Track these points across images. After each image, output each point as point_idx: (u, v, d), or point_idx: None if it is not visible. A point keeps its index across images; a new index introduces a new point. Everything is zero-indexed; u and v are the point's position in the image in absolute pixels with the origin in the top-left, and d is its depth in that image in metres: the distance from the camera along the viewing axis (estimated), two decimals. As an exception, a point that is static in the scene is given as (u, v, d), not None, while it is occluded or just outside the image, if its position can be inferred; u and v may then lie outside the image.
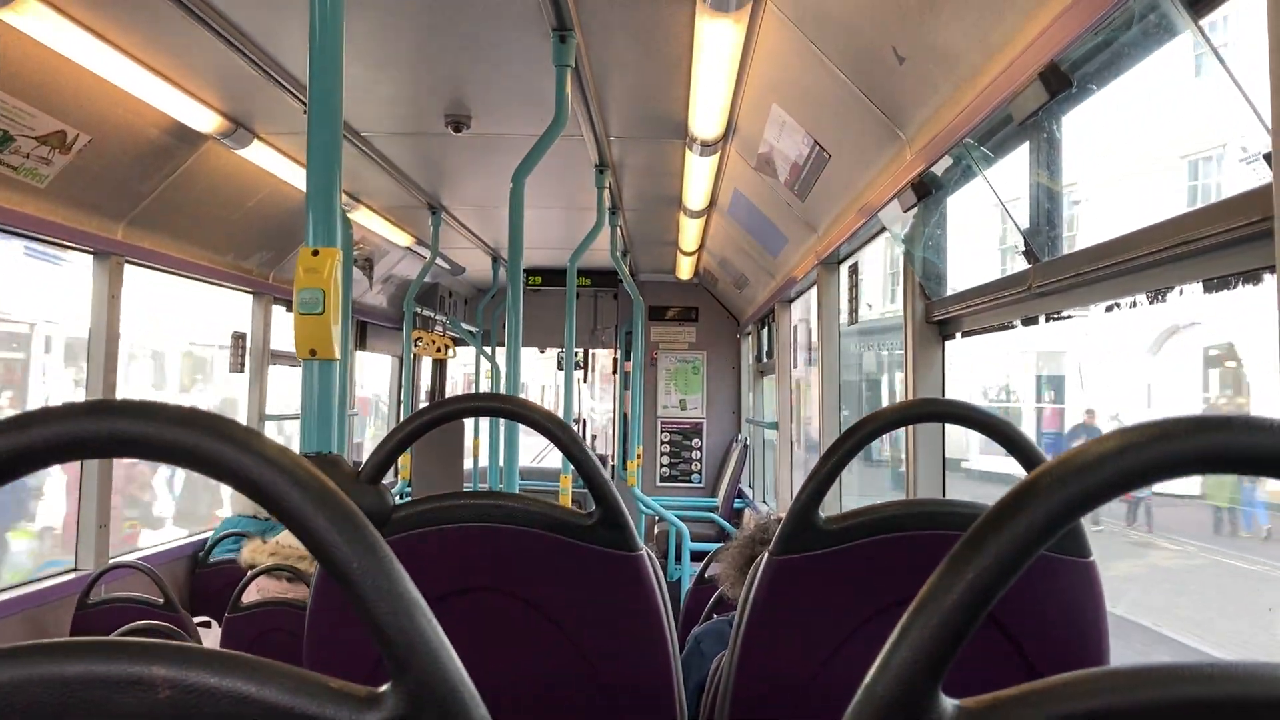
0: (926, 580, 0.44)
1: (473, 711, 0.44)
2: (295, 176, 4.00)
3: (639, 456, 6.37)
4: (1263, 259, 1.35)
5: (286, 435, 6.29)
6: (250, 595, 2.81)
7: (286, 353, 4.94)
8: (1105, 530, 9.84)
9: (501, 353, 6.26)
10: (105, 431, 0.43)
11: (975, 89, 1.95)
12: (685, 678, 1.53)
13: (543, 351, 8.94)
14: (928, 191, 2.55)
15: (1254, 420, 0.42)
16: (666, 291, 8.10)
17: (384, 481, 1.26)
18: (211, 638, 3.16)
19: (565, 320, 4.54)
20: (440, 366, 8.66)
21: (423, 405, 4.58)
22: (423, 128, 3.76)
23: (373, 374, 8.54)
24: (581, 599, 1.25)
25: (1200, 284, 1.52)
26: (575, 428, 2.03)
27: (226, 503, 5.54)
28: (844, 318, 4.08)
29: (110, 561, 3.64)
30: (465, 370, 12.15)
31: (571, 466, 3.02)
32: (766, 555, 1.32)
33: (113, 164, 3.26)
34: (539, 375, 18.96)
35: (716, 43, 2.59)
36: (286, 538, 3.02)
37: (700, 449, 8.13)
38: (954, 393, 2.96)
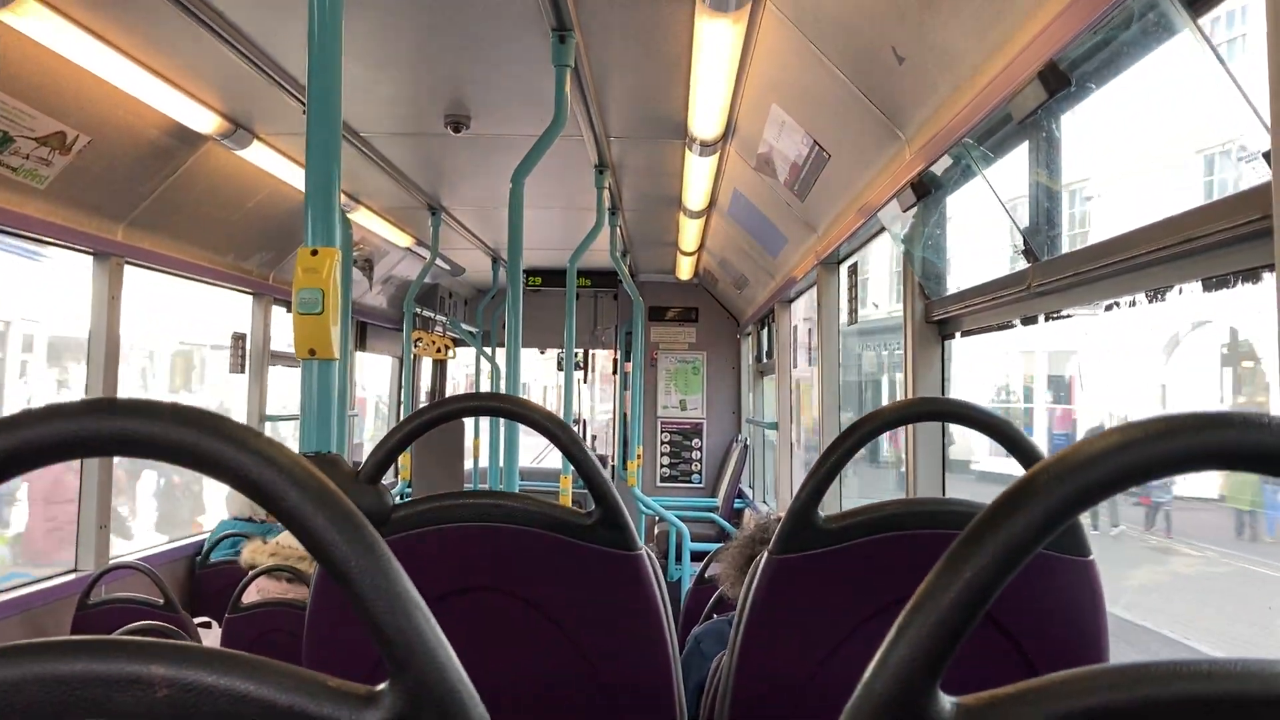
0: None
1: (471, 711, 0.44)
2: (295, 177, 4.00)
3: (639, 457, 6.37)
4: (1262, 257, 1.35)
5: (283, 437, 6.26)
6: (250, 596, 2.81)
7: (286, 353, 4.94)
8: (1125, 534, 9.67)
9: (501, 353, 6.25)
10: (107, 430, 0.43)
11: (974, 88, 1.95)
12: (685, 678, 1.53)
13: (543, 352, 8.94)
14: (927, 191, 2.55)
15: (1254, 417, 0.42)
16: (666, 292, 8.09)
17: (384, 481, 1.26)
18: (212, 638, 3.16)
19: (565, 321, 4.54)
20: (440, 367, 8.65)
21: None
22: (422, 128, 3.76)
23: (373, 375, 8.52)
24: (581, 599, 1.25)
25: (1199, 283, 1.52)
26: (575, 428, 2.02)
27: (210, 509, 5.51)
28: (844, 318, 4.09)
29: (110, 562, 3.64)
30: (466, 371, 12.14)
31: (571, 466, 3.02)
32: (766, 554, 1.32)
33: (113, 165, 3.26)
34: (539, 376, 18.93)
35: (716, 43, 2.59)
36: (286, 538, 3.02)
37: (700, 449, 8.12)
38: (960, 393, 2.96)
